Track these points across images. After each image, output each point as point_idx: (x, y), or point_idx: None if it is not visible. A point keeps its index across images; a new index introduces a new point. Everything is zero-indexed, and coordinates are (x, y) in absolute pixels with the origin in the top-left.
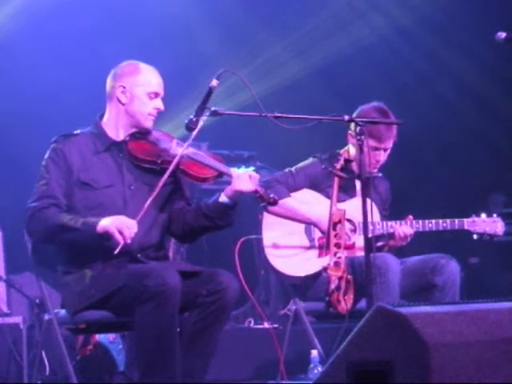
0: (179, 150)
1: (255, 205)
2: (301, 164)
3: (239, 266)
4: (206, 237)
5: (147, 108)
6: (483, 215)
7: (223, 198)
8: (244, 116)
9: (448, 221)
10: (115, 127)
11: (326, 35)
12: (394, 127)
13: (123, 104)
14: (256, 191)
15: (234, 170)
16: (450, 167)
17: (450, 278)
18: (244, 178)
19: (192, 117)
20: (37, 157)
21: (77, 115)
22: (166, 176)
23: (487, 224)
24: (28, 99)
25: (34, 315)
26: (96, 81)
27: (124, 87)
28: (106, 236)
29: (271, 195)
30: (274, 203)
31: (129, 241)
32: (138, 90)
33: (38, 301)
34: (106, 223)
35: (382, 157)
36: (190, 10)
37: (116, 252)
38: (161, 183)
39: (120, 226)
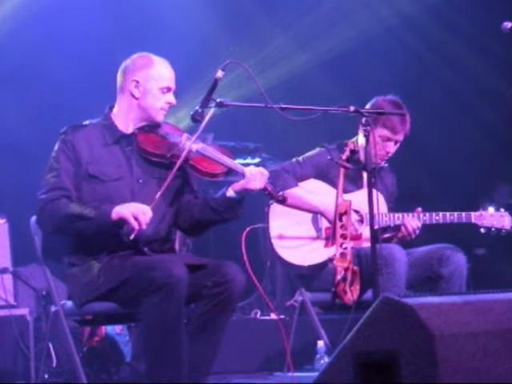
0: (189, 144)
1: (261, 196)
2: (308, 153)
3: (245, 256)
4: (211, 228)
5: (160, 102)
6: (491, 209)
7: (231, 193)
8: (250, 107)
9: (455, 214)
10: (125, 120)
11: (331, 26)
12: (408, 121)
13: (136, 98)
14: (265, 189)
15: (246, 169)
16: (456, 158)
17: (456, 269)
18: (255, 177)
19: (198, 108)
20: (42, 149)
21: (82, 106)
22: (174, 170)
23: (494, 218)
24: (32, 89)
25: (41, 307)
26: (102, 72)
27: (137, 81)
28: (121, 223)
29: (280, 193)
30: (283, 201)
31: (144, 227)
32: (151, 85)
33: (44, 292)
34: (120, 209)
35: (392, 149)
36: (194, 1)
37: (131, 237)
38: (170, 177)
39: (135, 212)
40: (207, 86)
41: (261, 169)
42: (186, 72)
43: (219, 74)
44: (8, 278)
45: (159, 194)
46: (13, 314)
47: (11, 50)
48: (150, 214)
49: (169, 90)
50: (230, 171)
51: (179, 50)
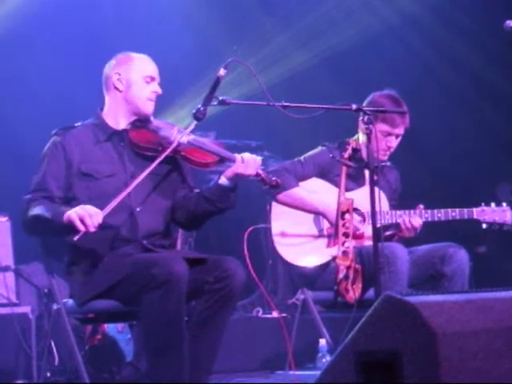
0: (180, 136)
1: (263, 195)
2: (310, 153)
3: (247, 255)
4: (213, 227)
5: (145, 92)
6: (492, 204)
7: (223, 180)
8: (251, 105)
9: (457, 210)
10: (115, 117)
11: (332, 24)
12: (407, 115)
13: (120, 91)
14: (257, 174)
15: (236, 154)
16: (457, 157)
17: (459, 268)
18: (247, 163)
19: (200, 106)
20: (43, 148)
21: (80, 106)
22: (158, 160)
23: (496, 213)
24: (33, 89)
25: (43, 305)
26: (98, 73)
27: (119, 74)
28: (71, 225)
29: (273, 178)
30: (277, 186)
31: (91, 229)
32: (134, 76)
33: (46, 290)
34: (70, 212)
35: (394, 143)
36: (195, 1)
37: (75, 239)
38: (151, 167)
39: (82, 214)
40: (209, 85)
41: (253, 156)
42: (187, 70)
43: (221, 72)
44: (10, 276)
45: (131, 187)
46: (15, 312)
47: (12, 50)
48: (99, 219)
49: (152, 79)
50: (222, 160)
51: (180, 49)
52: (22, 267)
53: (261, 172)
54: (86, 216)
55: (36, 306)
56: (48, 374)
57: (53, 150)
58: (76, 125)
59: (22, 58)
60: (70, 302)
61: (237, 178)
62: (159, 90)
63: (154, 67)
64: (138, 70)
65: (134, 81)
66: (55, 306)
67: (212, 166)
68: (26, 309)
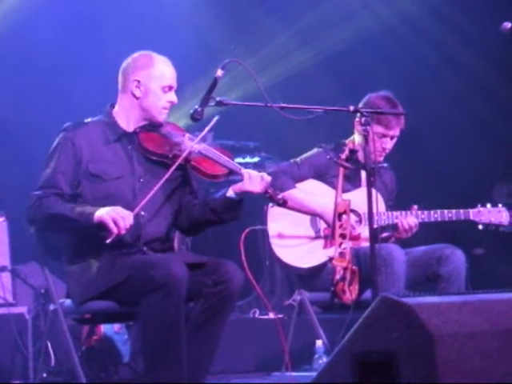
0: (191, 144)
1: (260, 196)
2: (306, 154)
3: (244, 256)
4: (211, 228)
5: (161, 102)
6: (488, 205)
7: (230, 193)
8: (249, 106)
9: (453, 211)
10: (127, 118)
11: (331, 25)
12: (402, 116)
13: (137, 98)
14: (266, 192)
15: (245, 171)
16: (454, 158)
17: (455, 269)
18: (254, 181)
19: (197, 107)
20: (42, 147)
21: (85, 102)
22: (172, 169)
23: (492, 214)
24: (33, 89)
25: (40, 305)
26: (98, 72)
27: (139, 81)
28: (102, 226)
29: (280, 196)
30: (283, 204)
31: (123, 232)
32: (153, 84)
33: (43, 291)
34: (101, 213)
35: (389, 144)
36: (194, 0)
37: (108, 241)
38: (166, 176)
39: (115, 217)
40: (207, 85)
41: (262, 174)
42: (185, 70)
43: (219, 72)
44: (7, 276)
45: (150, 194)
46: (11, 312)
47: (13, 50)
48: (131, 221)
49: (170, 88)
50: (231, 173)
51: (178, 49)
52: (18, 267)
53: (269, 189)
54: (119, 218)
55: (32, 307)
56: (44, 375)
57: (62, 145)
58: (86, 121)
59: (20, 58)
60: (67, 302)
61: (244, 194)
62: (175, 100)
63: (173, 73)
64: (157, 78)
65: (152, 90)
66: (52, 307)
67: (220, 179)
68: (22, 309)
